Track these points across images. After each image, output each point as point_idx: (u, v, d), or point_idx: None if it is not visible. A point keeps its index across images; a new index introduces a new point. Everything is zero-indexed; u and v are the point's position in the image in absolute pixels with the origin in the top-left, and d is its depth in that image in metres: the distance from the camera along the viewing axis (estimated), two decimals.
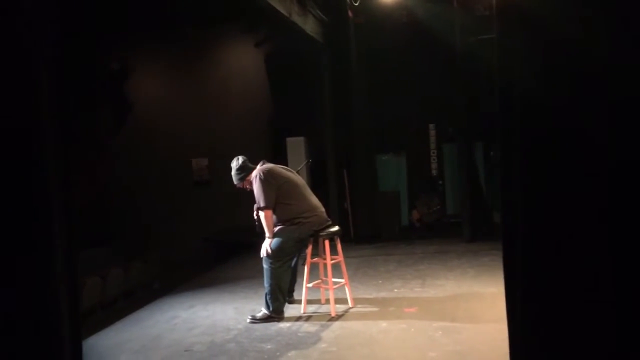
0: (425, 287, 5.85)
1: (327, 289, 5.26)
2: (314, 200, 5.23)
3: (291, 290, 5.42)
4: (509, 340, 2.28)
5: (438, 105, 9.78)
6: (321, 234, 5.11)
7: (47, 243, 2.05)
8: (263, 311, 5.06)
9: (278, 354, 4.21)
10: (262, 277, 5.08)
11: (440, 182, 10.24)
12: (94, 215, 10.68)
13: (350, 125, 8.99)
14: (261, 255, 5.03)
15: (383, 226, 9.15)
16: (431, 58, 9.28)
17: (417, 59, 9.39)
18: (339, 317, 5.01)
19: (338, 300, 5.22)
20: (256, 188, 5.01)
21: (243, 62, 10.57)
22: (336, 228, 5.23)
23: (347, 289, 5.31)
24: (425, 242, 8.39)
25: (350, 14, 8.56)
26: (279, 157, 9.96)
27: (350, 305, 5.28)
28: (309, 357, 4.11)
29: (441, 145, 10.11)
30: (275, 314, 5.02)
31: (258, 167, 5.19)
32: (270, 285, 5.01)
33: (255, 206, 5.12)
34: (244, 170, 5.19)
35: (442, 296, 5.45)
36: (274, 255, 4.97)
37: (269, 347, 4.36)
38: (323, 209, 5.25)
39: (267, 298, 5.04)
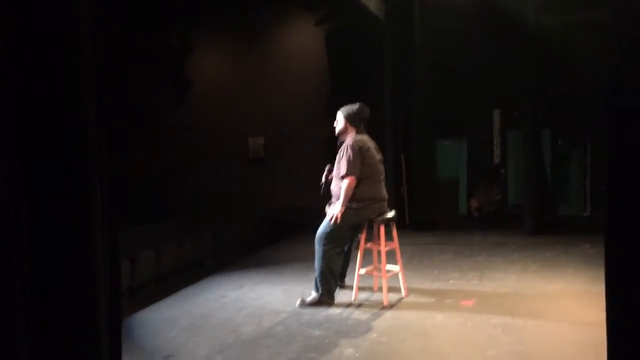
0: (483, 280, 5.57)
1: (380, 277, 5.07)
2: (384, 189, 5.04)
3: (343, 275, 5.26)
4: (607, 347, 2.02)
5: (504, 90, 9.33)
6: (377, 219, 4.92)
7: (86, 231, 1.94)
8: (313, 295, 4.93)
9: (327, 341, 4.07)
10: (314, 260, 4.94)
11: (503, 170, 9.81)
12: (154, 191, 10.88)
13: (411, 109, 8.68)
14: (328, 217, 4.85)
15: (441, 214, 8.85)
16: (499, 39, 8.82)
17: (484, 40, 8.95)
18: (391, 306, 4.82)
19: (391, 289, 5.01)
20: (346, 155, 4.82)
21: (302, 40, 10.39)
22: (392, 213, 5.01)
23: (401, 277, 5.11)
24: (484, 233, 8.03)
25: None
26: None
27: (403, 294, 5.08)
28: (359, 346, 3.95)
29: (505, 132, 9.65)
30: (326, 298, 4.88)
31: (355, 133, 4.99)
32: (321, 267, 4.86)
33: (334, 171, 4.95)
34: (354, 122, 4.98)
35: (502, 291, 5.15)
36: (327, 237, 4.82)
37: (317, 333, 4.23)
38: (386, 199, 5.05)
39: (318, 280, 4.91)
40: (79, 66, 1.95)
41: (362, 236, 5.00)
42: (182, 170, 11.01)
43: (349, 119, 4.98)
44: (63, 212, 1.91)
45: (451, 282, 5.55)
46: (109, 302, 2.04)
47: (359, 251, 5.03)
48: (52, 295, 1.89)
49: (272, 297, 5.25)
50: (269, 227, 10.08)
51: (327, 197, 5.07)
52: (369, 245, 5.13)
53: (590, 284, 5.24)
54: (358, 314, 4.66)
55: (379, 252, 5.11)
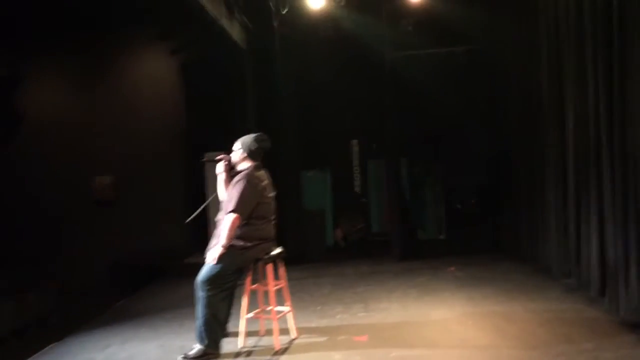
0: (369, 311, 5.46)
1: (268, 319, 4.71)
2: (273, 228, 4.69)
3: (226, 322, 4.79)
4: None
5: (363, 121, 9.60)
6: (263, 257, 4.57)
7: None
8: (196, 347, 4.40)
9: None
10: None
11: (364, 199, 10.02)
12: None
13: (275, 140, 8.49)
14: (206, 261, 4.38)
15: (309, 246, 8.70)
16: (358, 73, 9.09)
17: (344, 73, 9.16)
18: (284, 350, 4.48)
19: (279, 331, 4.67)
20: (240, 189, 4.36)
21: (155, 70, 9.78)
22: (279, 250, 4.70)
23: (291, 317, 4.79)
24: (355, 262, 8.04)
25: (275, 23, 8.13)
26: (197, 175, 9.27)
27: (294, 335, 4.76)
28: None
29: (366, 161, 9.91)
30: (212, 350, 4.38)
31: (252, 166, 4.55)
32: (205, 315, 4.36)
33: (224, 201, 4.50)
34: (254, 156, 4.55)
35: (391, 322, 5.07)
36: (210, 281, 4.35)
37: None
38: (274, 238, 4.72)
39: (202, 330, 4.39)
40: None
41: (248, 278, 4.61)
42: (16, 213, 9.61)
43: (249, 152, 4.59)
44: None
45: (338, 317, 5.35)
46: None
47: (245, 293, 4.62)
48: None
49: (146, 355, 4.61)
50: (123, 275, 9.14)
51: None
52: (255, 286, 4.75)
53: (467, 306, 5.39)
54: None
55: (265, 293, 4.76)
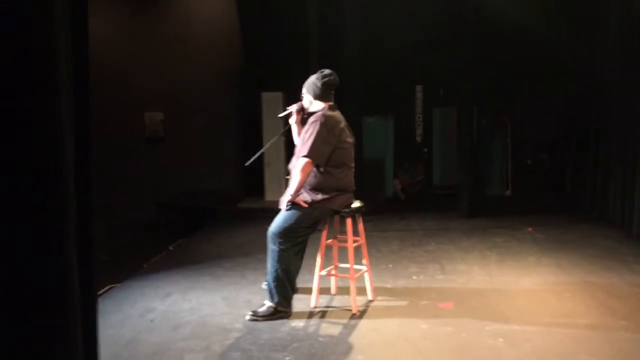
0: (446, 273, 4.98)
1: (342, 278, 4.28)
2: (352, 177, 4.19)
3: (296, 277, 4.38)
4: None
5: (429, 65, 8.87)
6: (342, 211, 4.10)
7: None
8: (266, 304, 4.01)
9: None
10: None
11: (425, 149, 9.42)
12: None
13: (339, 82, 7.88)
14: (280, 207, 3.95)
15: (367, 197, 8.19)
16: (426, 12, 8.32)
17: (410, 11, 8.40)
18: (361, 313, 4.05)
19: (355, 291, 4.23)
20: (314, 132, 3.86)
21: (211, 5, 9.18)
22: (358, 203, 4.22)
23: (368, 278, 4.35)
24: (419, 217, 7.53)
25: None
26: (252, 115, 8.80)
27: (370, 297, 4.33)
28: None
29: (431, 108, 9.24)
30: (283, 307, 3.99)
31: (326, 107, 4.04)
32: (277, 270, 3.95)
33: (298, 145, 4.03)
34: (323, 96, 4.03)
35: (475, 287, 4.58)
36: (284, 234, 3.91)
37: (287, 359, 3.34)
38: (353, 189, 4.22)
39: (273, 286, 4.00)
40: None
41: (324, 232, 4.15)
42: None
43: (316, 93, 4.05)
44: None
45: (414, 277, 4.90)
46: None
47: (320, 249, 4.18)
48: None
49: (212, 308, 4.25)
50: (173, 215, 8.88)
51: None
52: (329, 241, 4.30)
53: (558, 274, 4.86)
54: (327, 328, 3.83)
55: (339, 249, 4.32)
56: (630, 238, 5.95)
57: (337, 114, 4.07)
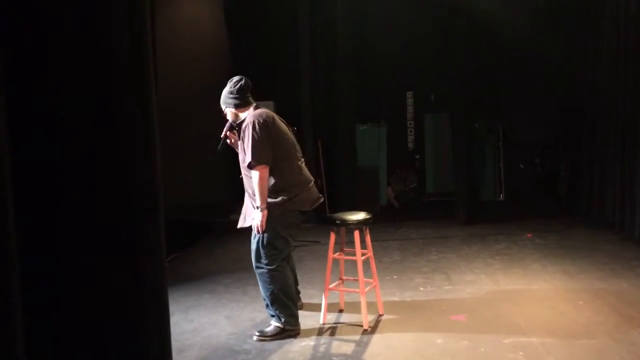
0: (454, 284, 4.86)
1: (349, 293, 4.14)
2: (306, 169, 4.02)
3: (297, 291, 4.24)
4: None
5: (420, 70, 8.80)
6: (348, 223, 3.96)
7: None
8: (273, 324, 3.85)
9: None
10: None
11: (417, 156, 9.32)
12: None
13: (330, 89, 7.79)
14: (254, 232, 3.75)
15: (362, 205, 8.07)
16: (419, 17, 8.25)
17: (403, 17, 8.32)
18: (372, 329, 3.91)
19: (366, 306, 4.09)
20: (247, 138, 3.70)
21: (196, 8, 9.02)
22: (363, 215, 4.08)
23: (377, 292, 4.21)
24: (416, 225, 7.41)
25: None
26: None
27: (380, 312, 4.19)
28: None
29: (423, 114, 9.16)
30: (290, 326, 3.84)
31: (251, 110, 3.89)
32: (272, 293, 3.78)
33: (240, 157, 3.86)
34: (243, 102, 3.85)
35: (485, 297, 4.48)
36: (265, 253, 3.74)
37: None
38: (313, 181, 4.04)
39: (274, 309, 3.83)
40: None
41: (331, 244, 4.01)
42: None
43: (237, 102, 3.85)
44: None
45: (421, 289, 4.77)
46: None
47: (328, 262, 4.04)
48: None
49: (216, 328, 4.08)
50: (169, 231, 8.64)
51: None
52: (336, 254, 4.16)
53: (567, 281, 4.78)
54: (339, 346, 3.68)
55: (345, 263, 4.19)
56: (632, 242, 5.89)
57: (263, 110, 3.87)
